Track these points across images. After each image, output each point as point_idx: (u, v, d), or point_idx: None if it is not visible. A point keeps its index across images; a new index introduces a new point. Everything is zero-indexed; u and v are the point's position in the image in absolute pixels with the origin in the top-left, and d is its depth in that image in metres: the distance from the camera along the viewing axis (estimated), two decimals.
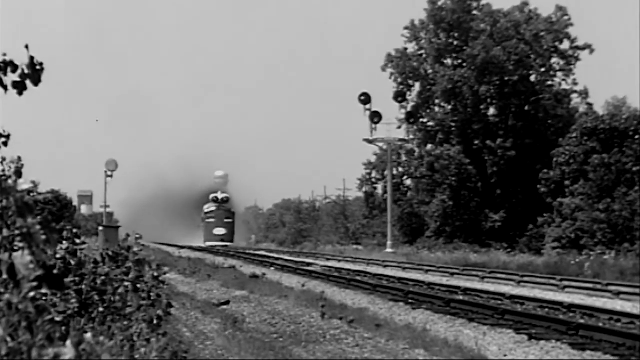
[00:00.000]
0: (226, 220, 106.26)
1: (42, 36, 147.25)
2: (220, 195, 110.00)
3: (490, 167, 78.93)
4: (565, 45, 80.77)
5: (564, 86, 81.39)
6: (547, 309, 24.48)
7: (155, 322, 9.31)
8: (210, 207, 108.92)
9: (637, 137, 64.58)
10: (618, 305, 26.80)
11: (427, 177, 79.27)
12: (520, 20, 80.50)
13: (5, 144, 6.14)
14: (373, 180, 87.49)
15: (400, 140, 74.75)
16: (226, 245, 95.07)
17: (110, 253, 10.69)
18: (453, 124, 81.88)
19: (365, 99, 69.64)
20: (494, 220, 76.71)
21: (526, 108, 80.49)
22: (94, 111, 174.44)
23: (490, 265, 51.81)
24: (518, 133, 79.09)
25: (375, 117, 70.04)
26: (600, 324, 20.79)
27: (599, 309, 23.82)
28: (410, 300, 27.92)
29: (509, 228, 75.19)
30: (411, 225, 79.96)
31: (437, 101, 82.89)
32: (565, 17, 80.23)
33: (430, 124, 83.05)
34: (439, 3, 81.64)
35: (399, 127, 76.17)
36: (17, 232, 3.37)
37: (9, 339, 3.32)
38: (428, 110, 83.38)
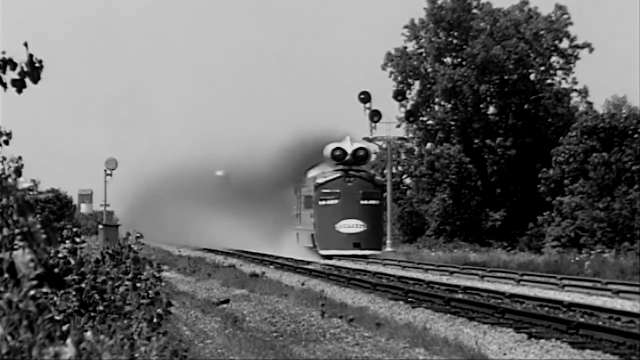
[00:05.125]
0: (365, 202, 55.31)
1: (42, 34, 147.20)
2: (349, 146, 57.66)
3: (490, 166, 78.95)
4: (565, 44, 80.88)
5: (564, 85, 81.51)
6: (547, 308, 24.47)
7: (155, 320, 9.31)
8: (325, 174, 56.88)
9: (636, 136, 64.59)
10: (618, 304, 26.78)
11: (427, 175, 79.28)
12: (520, 19, 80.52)
13: (6, 142, 6.14)
14: None
15: (400, 139, 74.63)
16: (365, 257, 52.92)
17: (110, 252, 10.70)
18: (453, 123, 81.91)
19: (365, 97, 69.57)
20: (494, 219, 76.74)
21: (526, 107, 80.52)
22: (95, 110, 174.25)
23: (490, 264, 51.77)
24: (518, 132, 79.11)
25: (375, 115, 69.99)
26: (600, 323, 20.78)
27: (599, 307, 23.81)
28: (410, 299, 27.93)
29: (509, 227, 75.22)
30: (411, 224, 79.95)
31: (437, 100, 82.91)
32: (565, 16, 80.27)
33: (430, 122, 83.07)
34: (439, 2, 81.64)
35: (399, 126, 76.09)
36: (17, 230, 3.37)
37: (9, 337, 3.32)
38: (428, 109, 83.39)
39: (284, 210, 64.19)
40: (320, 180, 56.31)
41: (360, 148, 57.96)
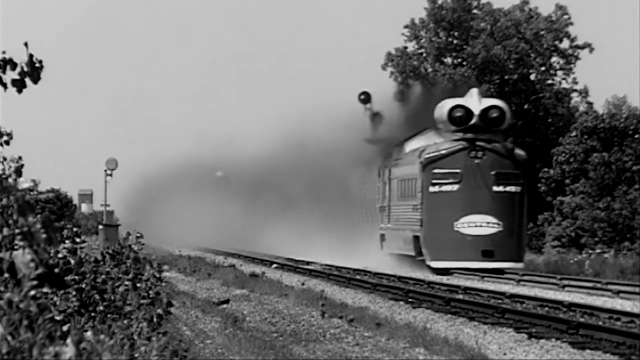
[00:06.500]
0: (500, 188, 40.52)
1: (42, 34, 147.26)
2: (477, 104, 39.70)
3: None
4: (565, 44, 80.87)
5: (564, 85, 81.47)
6: (547, 308, 24.48)
7: (155, 320, 9.32)
8: (439, 145, 40.14)
9: (637, 135, 64.62)
10: (618, 304, 26.79)
11: None
12: (520, 19, 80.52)
13: (7, 142, 6.15)
14: None
15: None
16: (501, 272, 38.35)
17: (110, 252, 10.71)
18: None
19: (365, 98, 69.61)
20: None
21: (526, 107, 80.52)
22: (95, 110, 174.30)
23: None
24: (518, 132, 79.08)
25: (376, 116, 70.00)
26: (600, 323, 20.79)
27: (599, 307, 23.82)
28: (410, 299, 27.94)
29: None
30: None
31: None
32: (565, 16, 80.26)
33: None
34: (439, 2, 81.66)
35: None
36: (17, 230, 3.37)
37: (9, 337, 3.32)
38: None
39: (346, 205, 49.29)
40: (430, 154, 38.99)
41: (494, 107, 39.69)
